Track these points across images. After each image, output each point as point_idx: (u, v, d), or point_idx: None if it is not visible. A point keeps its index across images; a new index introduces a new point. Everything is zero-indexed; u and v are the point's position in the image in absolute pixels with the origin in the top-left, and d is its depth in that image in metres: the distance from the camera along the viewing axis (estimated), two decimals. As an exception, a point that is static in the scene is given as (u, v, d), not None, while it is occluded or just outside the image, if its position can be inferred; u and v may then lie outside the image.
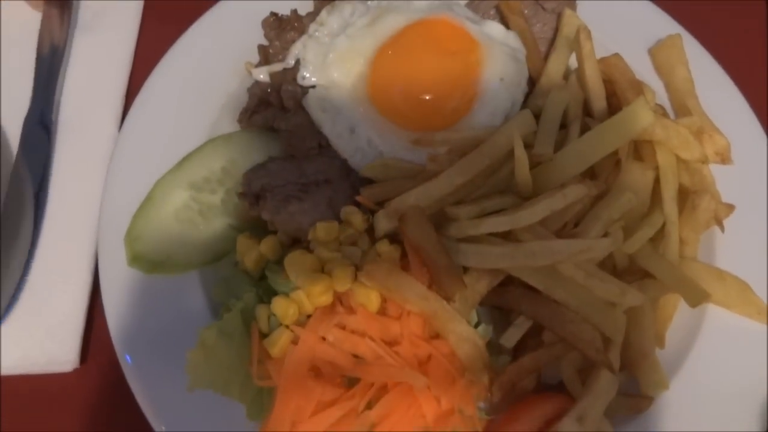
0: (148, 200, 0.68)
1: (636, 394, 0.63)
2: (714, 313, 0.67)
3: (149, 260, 0.65)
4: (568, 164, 0.63)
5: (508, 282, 0.64)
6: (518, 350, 0.63)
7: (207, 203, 0.69)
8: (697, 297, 0.61)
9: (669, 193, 0.65)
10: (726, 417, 0.63)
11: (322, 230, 0.61)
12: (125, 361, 0.62)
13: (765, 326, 0.66)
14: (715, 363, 0.65)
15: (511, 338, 0.62)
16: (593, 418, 0.58)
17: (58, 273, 0.70)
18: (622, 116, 0.63)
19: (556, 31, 0.79)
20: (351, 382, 0.57)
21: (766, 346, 0.66)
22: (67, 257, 0.70)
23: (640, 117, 0.63)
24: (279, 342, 0.57)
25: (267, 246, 0.63)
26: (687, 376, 0.64)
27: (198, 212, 0.68)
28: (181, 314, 0.64)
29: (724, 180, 0.73)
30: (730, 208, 0.68)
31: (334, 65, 0.74)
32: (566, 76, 0.76)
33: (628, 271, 0.65)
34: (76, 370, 0.67)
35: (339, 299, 0.59)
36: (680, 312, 0.67)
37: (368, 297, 0.57)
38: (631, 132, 0.63)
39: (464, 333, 0.58)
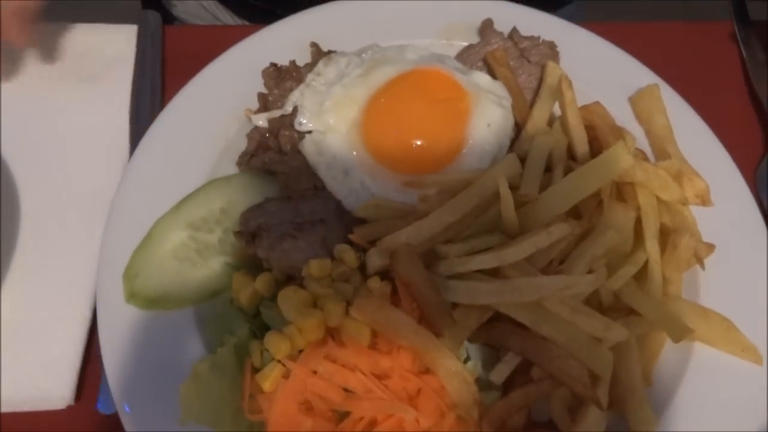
0: (148, 239, 0.70)
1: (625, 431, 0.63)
2: (700, 351, 0.68)
3: (146, 297, 0.66)
4: (552, 204, 0.66)
5: (497, 319, 0.65)
6: (507, 387, 0.64)
7: (204, 242, 0.71)
8: (679, 332, 0.62)
9: (650, 233, 0.68)
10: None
11: (315, 267, 0.63)
12: (121, 406, 0.63)
13: (750, 363, 0.67)
14: (703, 400, 0.66)
15: (500, 374, 0.63)
16: (583, 452, 0.59)
17: (55, 308, 0.71)
18: (603, 158, 0.66)
19: (541, 81, 0.84)
20: (341, 417, 0.57)
21: (753, 383, 0.66)
22: (65, 293, 0.72)
23: (620, 159, 0.66)
24: (271, 376, 0.58)
25: (262, 283, 0.65)
26: (676, 414, 0.65)
27: (195, 251, 0.70)
28: (176, 351, 0.65)
29: (705, 222, 0.75)
30: (711, 247, 0.71)
31: (330, 112, 0.77)
32: (550, 122, 0.80)
33: (614, 309, 0.66)
34: (69, 408, 0.68)
35: (331, 334, 0.61)
36: (667, 351, 0.69)
37: (359, 331, 0.58)
38: (612, 173, 0.66)
39: (453, 368, 0.59)
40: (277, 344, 0.60)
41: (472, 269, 0.64)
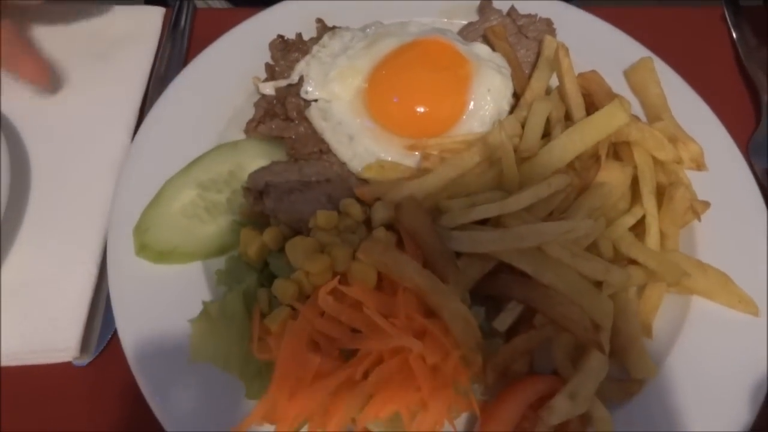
0: (158, 197, 0.72)
1: (626, 378, 0.64)
2: (698, 305, 0.70)
3: (156, 250, 0.68)
4: (551, 159, 0.68)
5: (499, 270, 0.67)
6: (510, 337, 0.65)
7: (213, 201, 0.73)
8: (676, 275, 0.64)
9: (647, 188, 0.70)
10: (716, 401, 0.64)
11: (322, 218, 0.65)
12: (130, 352, 0.63)
13: (746, 315, 0.68)
14: (702, 351, 0.67)
15: (503, 322, 0.64)
16: (585, 396, 0.59)
17: (62, 266, 0.72)
18: (599, 114, 0.69)
19: (538, 56, 0.87)
20: (348, 357, 0.58)
21: (751, 334, 0.68)
22: (73, 251, 0.73)
23: (616, 116, 0.69)
24: (279, 318, 0.59)
25: (269, 235, 0.67)
26: (675, 364, 0.66)
27: (204, 209, 0.72)
28: (184, 304, 0.66)
29: (699, 186, 0.77)
30: (706, 204, 0.72)
31: (335, 81, 0.80)
32: (548, 93, 0.82)
33: (613, 261, 0.68)
34: (81, 367, 0.69)
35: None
36: (666, 305, 0.70)
37: (365, 273, 0.60)
38: (609, 128, 0.68)
39: (458, 310, 0.60)
40: (284, 289, 0.61)
41: (475, 219, 0.65)
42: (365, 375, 0.56)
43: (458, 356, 0.57)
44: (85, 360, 0.69)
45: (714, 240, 0.74)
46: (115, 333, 0.70)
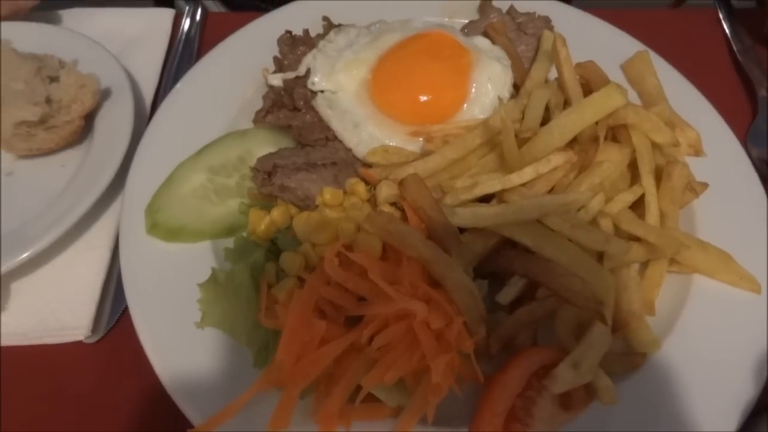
0: (170, 179, 0.74)
1: (630, 351, 0.65)
2: (700, 283, 0.70)
3: (166, 228, 0.70)
4: (551, 138, 0.69)
5: (502, 248, 0.68)
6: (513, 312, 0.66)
7: (222, 185, 0.75)
8: (675, 247, 0.65)
9: (646, 168, 0.71)
10: (720, 377, 0.64)
11: (329, 194, 0.67)
12: (140, 326, 0.64)
13: (747, 293, 0.69)
14: (704, 327, 0.67)
15: (506, 296, 0.66)
16: (588, 366, 0.60)
17: (75, 250, 0.74)
18: (597, 95, 0.71)
19: (537, 52, 0.89)
20: (353, 325, 0.59)
21: (752, 312, 0.68)
22: (85, 238, 0.75)
23: (613, 97, 0.71)
24: (286, 287, 0.60)
25: (277, 213, 0.68)
26: (677, 339, 0.66)
27: (214, 192, 0.74)
28: (194, 282, 0.67)
29: (697, 171, 0.79)
30: (705, 185, 0.74)
31: (341, 73, 0.83)
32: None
33: (614, 238, 0.69)
34: (94, 345, 0.70)
35: (343, 254, 0.63)
36: (667, 284, 0.71)
37: (370, 243, 0.61)
38: (606, 108, 0.70)
39: (461, 281, 0.61)
40: (291, 261, 0.62)
41: (478, 195, 0.67)
42: (370, 341, 0.57)
43: (462, 323, 0.58)
44: (96, 338, 0.70)
45: (713, 223, 0.75)
46: (124, 311, 0.72)
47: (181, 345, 0.63)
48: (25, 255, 0.69)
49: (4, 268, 0.68)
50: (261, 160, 0.74)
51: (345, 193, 0.69)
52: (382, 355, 0.57)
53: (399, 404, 0.58)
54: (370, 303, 0.58)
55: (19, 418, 0.66)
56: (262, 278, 0.63)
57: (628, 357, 0.64)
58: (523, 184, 0.67)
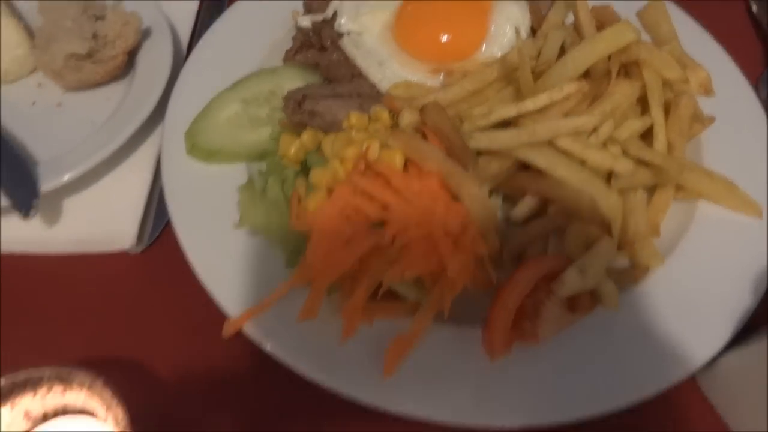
0: (206, 109, 0.80)
1: (633, 265, 0.69)
2: (704, 209, 0.74)
3: (204, 149, 0.75)
4: (565, 70, 0.73)
5: (516, 171, 0.73)
6: (526, 229, 0.71)
7: (255, 115, 0.81)
8: (680, 169, 0.69)
9: (655, 101, 0.75)
10: (719, 290, 0.68)
11: (355, 117, 0.72)
12: (182, 236, 0.70)
13: (749, 218, 0.73)
14: (706, 246, 0.72)
15: (519, 212, 0.70)
16: (594, 272, 0.65)
17: (121, 169, 0.80)
18: (609, 30, 0.74)
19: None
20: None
21: (753, 233, 0.72)
22: (130, 158, 0.81)
23: (625, 33, 0.74)
24: (316, 197, 0.66)
25: (307, 136, 0.74)
26: (680, 257, 0.71)
27: (247, 120, 0.80)
28: (230, 198, 0.73)
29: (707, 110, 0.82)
30: (712, 118, 0.77)
31: (366, 15, 0.87)
32: (564, 29, 0.88)
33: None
34: (139, 255, 0.77)
35: (368, 170, 0.68)
36: (673, 210, 0.75)
37: (394, 157, 0.66)
38: (619, 42, 0.73)
39: (477, 193, 0.66)
40: (320, 176, 0.68)
41: (494, 121, 0.71)
42: (392, 242, 0.62)
43: (476, 231, 0.63)
44: (140, 248, 0.76)
45: (719, 158, 0.79)
46: (165, 227, 0.78)
47: (220, 250, 0.69)
48: (66, 177, 0.75)
49: (51, 187, 0.74)
50: (291, 91, 0.79)
51: (369, 119, 0.74)
52: (402, 255, 0.62)
53: (417, 300, 0.63)
54: (393, 209, 0.64)
55: (70, 319, 0.73)
56: (293, 192, 0.68)
57: (632, 270, 0.69)
58: (538, 112, 0.71)
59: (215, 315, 0.65)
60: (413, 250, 0.62)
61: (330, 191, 0.67)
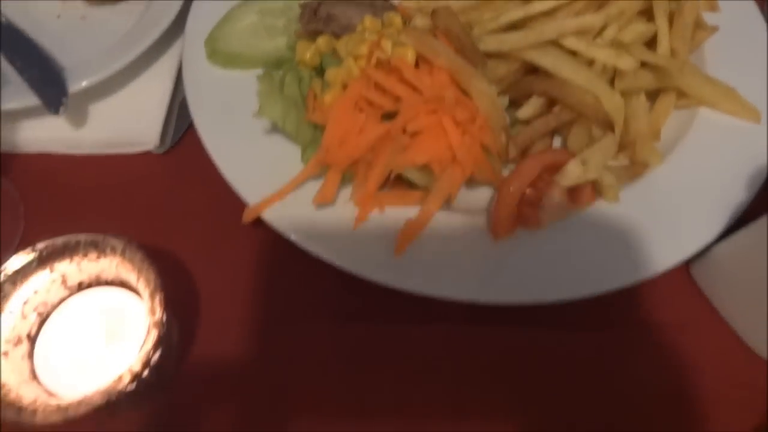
0: (224, 19, 0.83)
1: (633, 162, 0.72)
2: (704, 114, 0.77)
3: (224, 54, 0.79)
4: (572, -23, 0.76)
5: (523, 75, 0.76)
6: (532, 130, 0.74)
7: (271, 25, 0.84)
8: (680, 67, 0.71)
9: (660, 11, 0.77)
10: (716, 185, 0.71)
11: (369, 21, 0.75)
12: (204, 135, 0.73)
13: (748, 123, 0.75)
14: (705, 146, 0.74)
15: (526, 112, 0.74)
16: (596, 164, 0.68)
17: (143, 77, 0.84)
18: (617, -62, 0.76)
19: None
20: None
21: (751, 135, 0.75)
22: (152, 67, 0.85)
23: (632, -60, 0.76)
24: (331, 92, 0.69)
25: (323, 41, 0.76)
26: (679, 157, 0.74)
27: (264, 29, 0.83)
28: (249, 99, 0.76)
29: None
30: (715, 28, 0.80)
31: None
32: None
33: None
34: (162, 156, 0.81)
35: (381, 69, 0.72)
36: (674, 115, 0.78)
37: (405, 53, 0.69)
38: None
39: (485, 89, 0.69)
40: (335, 74, 0.71)
41: (503, 23, 0.74)
42: (404, 130, 0.66)
43: (484, 121, 0.66)
44: (163, 149, 0.80)
45: (722, 70, 0.81)
46: (187, 130, 0.82)
47: (239, 146, 0.72)
48: (90, 81, 0.78)
49: (77, 89, 0.77)
50: (307, 1, 0.82)
51: (383, 24, 0.77)
52: (413, 142, 0.66)
53: (427, 186, 0.67)
54: (405, 100, 0.67)
55: (98, 215, 0.77)
56: (309, 90, 0.72)
57: (632, 167, 0.72)
58: (545, 15, 0.74)
59: (236, 208, 0.69)
60: (424, 137, 0.66)
61: (344, 87, 0.70)
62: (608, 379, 0.66)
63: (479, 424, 0.63)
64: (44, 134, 0.80)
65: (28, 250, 0.58)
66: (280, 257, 0.73)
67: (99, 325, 0.62)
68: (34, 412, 0.51)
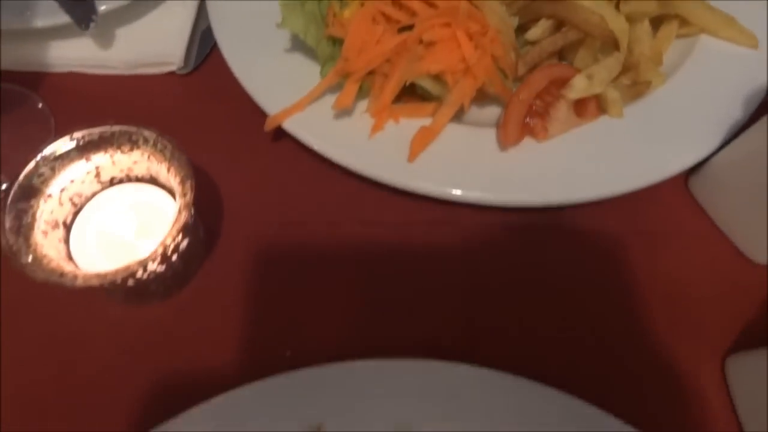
0: (246, -51, 0.86)
1: (637, 82, 0.76)
2: (705, 41, 0.80)
3: (247, -20, 0.82)
4: None
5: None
6: (540, 53, 0.77)
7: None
8: (683, -11, 0.75)
9: (665, -57, 0.81)
10: (715, 104, 0.75)
11: (386, -55, 0.78)
12: (229, 55, 0.77)
13: (746, 49, 0.79)
14: (705, 69, 0.77)
15: (534, 34, 0.77)
16: (601, 79, 0.72)
17: (166, 4, 0.88)
18: None
19: None
20: (405, 36, 0.72)
21: (749, 60, 0.78)
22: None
23: None
24: (350, 7, 0.73)
25: (342, -35, 0.80)
26: (680, 78, 0.77)
27: (284, -41, 0.86)
28: (270, 22, 0.80)
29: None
30: (718, -39, 0.83)
31: None
32: None
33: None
34: (186, 76, 0.84)
35: None
36: (676, 46, 0.81)
37: (422, -29, 0.73)
38: None
39: (497, 8, 0.72)
40: (354, -5, 0.74)
41: (514, -50, 0.77)
42: (419, 41, 0.69)
43: (495, 34, 0.70)
44: (186, 70, 0.84)
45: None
46: (210, 52, 0.86)
47: (262, 64, 0.76)
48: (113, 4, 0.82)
49: (104, 9, 0.81)
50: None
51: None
52: (428, 52, 0.69)
53: (440, 96, 0.71)
54: (420, 14, 0.70)
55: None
56: (328, 8, 0.75)
57: (635, 86, 0.75)
58: (555, -58, 0.77)
59: (257, 124, 0.73)
60: (438, 47, 0.69)
61: (362, 4, 0.74)
62: (603, 282, 0.69)
63: (486, 320, 0.67)
64: (73, 54, 0.83)
65: (67, 138, 0.62)
66: (301, 169, 0.77)
67: (129, 220, 0.66)
68: (75, 277, 0.55)
